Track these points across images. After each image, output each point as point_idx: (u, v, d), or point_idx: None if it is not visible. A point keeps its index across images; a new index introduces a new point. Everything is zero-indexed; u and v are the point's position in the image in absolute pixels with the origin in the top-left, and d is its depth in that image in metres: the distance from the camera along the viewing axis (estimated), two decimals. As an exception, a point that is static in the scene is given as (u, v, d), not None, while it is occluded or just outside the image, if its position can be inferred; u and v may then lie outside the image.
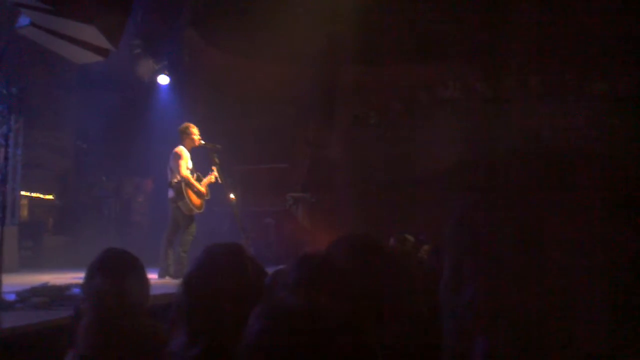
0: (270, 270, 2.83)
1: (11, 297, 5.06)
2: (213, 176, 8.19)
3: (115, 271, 2.62)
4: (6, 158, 6.73)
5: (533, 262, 0.73)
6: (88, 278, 2.64)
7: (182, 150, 7.99)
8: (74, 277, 6.35)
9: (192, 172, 8.05)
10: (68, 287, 5.32)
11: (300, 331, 1.18)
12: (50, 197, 10.83)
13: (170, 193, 7.98)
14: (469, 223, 0.82)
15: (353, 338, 1.14)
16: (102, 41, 6.54)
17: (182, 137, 8.09)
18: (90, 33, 6.38)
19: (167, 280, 7.55)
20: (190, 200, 7.88)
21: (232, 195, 8.69)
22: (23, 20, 6.68)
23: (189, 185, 7.90)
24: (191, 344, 1.86)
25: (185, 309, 1.89)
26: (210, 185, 8.24)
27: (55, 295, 5.05)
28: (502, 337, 0.75)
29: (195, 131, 8.13)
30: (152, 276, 5.80)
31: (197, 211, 8.01)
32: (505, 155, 0.83)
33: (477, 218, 0.80)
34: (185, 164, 7.96)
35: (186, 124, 8.23)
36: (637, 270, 0.74)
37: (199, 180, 8.10)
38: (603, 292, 0.73)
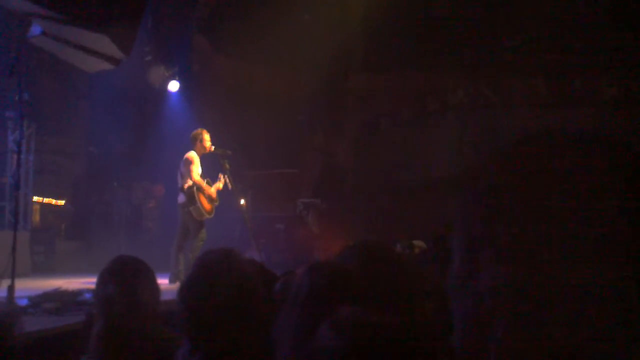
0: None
1: (23, 302, 5.10)
2: (222, 182, 8.21)
3: (126, 278, 2.64)
4: (18, 164, 6.80)
5: (555, 242, 0.73)
6: (99, 285, 2.67)
7: (193, 155, 8.02)
8: (86, 282, 6.40)
9: (202, 177, 8.09)
10: (80, 292, 5.35)
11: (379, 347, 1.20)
12: (62, 202, 10.91)
13: (181, 198, 8.00)
14: (482, 209, 0.81)
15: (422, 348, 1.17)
16: (113, 50, 6.60)
17: (194, 142, 8.12)
18: (101, 42, 6.44)
19: (178, 285, 7.57)
20: (202, 205, 7.90)
21: (242, 201, 8.72)
22: (35, 29, 6.76)
23: (200, 190, 7.93)
24: (192, 352, 1.88)
25: (183, 317, 1.91)
26: (221, 191, 8.27)
27: (67, 300, 5.09)
28: (525, 320, 0.75)
29: (207, 137, 8.16)
30: (163, 281, 5.84)
31: (208, 216, 8.03)
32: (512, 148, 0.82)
33: (491, 202, 0.79)
34: (197, 169, 7.99)
35: (199, 129, 8.26)
36: None
37: (208, 185, 8.13)
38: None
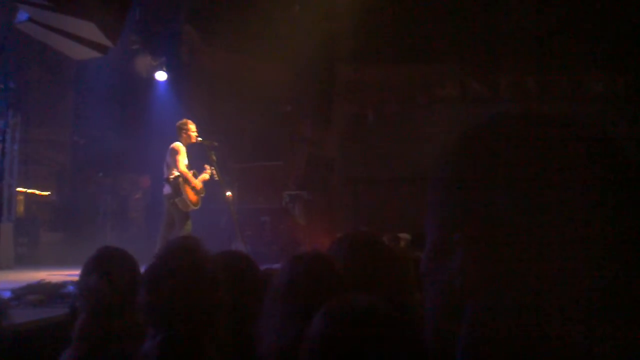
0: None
1: (6, 295, 5.05)
2: (208, 173, 8.17)
3: (110, 269, 2.62)
4: (3, 154, 6.73)
5: (533, 227, 0.72)
6: (83, 276, 2.64)
7: (179, 146, 7.96)
8: (70, 274, 6.35)
9: (188, 168, 8.03)
10: (64, 284, 5.30)
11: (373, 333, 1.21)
12: (47, 193, 10.82)
13: (167, 189, 7.94)
14: (453, 192, 0.80)
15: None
16: (100, 38, 6.54)
17: (179, 133, 8.07)
18: (88, 29, 6.39)
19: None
20: (188, 196, 7.85)
21: (228, 193, 8.68)
22: (21, 15, 6.68)
23: (186, 181, 7.87)
24: (152, 336, 1.93)
25: (145, 302, 1.98)
26: (207, 182, 8.23)
27: (51, 292, 5.04)
28: (494, 302, 0.74)
29: (192, 127, 8.10)
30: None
31: (194, 207, 7.98)
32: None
33: (469, 181, 0.78)
34: (183, 159, 7.93)
35: (184, 120, 8.20)
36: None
37: (194, 177, 8.08)
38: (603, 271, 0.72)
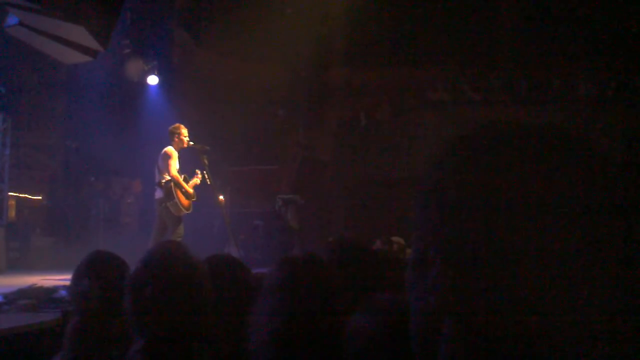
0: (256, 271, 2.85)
1: (-2, 299, 5.03)
2: (199, 178, 8.16)
3: (102, 273, 2.61)
4: (-6, 158, 6.71)
5: (506, 245, 0.72)
6: (75, 280, 2.64)
7: (171, 150, 7.95)
8: (62, 279, 6.33)
9: (179, 173, 8.02)
10: (55, 289, 5.29)
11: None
12: (39, 197, 10.78)
13: (158, 193, 7.93)
14: (436, 199, 0.79)
15: None
16: (90, 42, 6.52)
17: (172, 137, 8.06)
18: (78, 33, 6.36)
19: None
20: (180, 200, 7.84)
21: (221, 197, 8.68)
22: (11, 19, 6.66)
23: (178, 185, 7.87)
24: (137, 340, 1.96)
25: (129, 306, 2.00)
26: (200, 187, 8.21)
27: (42, 297, 5.03)
28: (472, 322, 0.74)
29: (184, 132, 8.10)
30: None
31: (186, 212, 7.97)
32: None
33: (446, 194, 0.78)
34: (175, 164, 7.93)
35: (176, 124, 8.20)
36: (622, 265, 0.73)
37: (185, 181, 8.07)
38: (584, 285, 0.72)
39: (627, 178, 0.74)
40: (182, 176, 8.02)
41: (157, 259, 2.06)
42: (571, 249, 0.69)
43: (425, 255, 0.76)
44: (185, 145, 8.07)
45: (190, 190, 8.05)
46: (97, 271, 2.61)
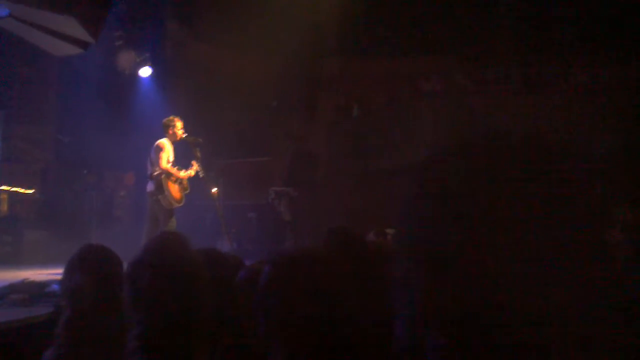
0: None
1: (-10, 294, 5.01)
2: (193, 170, 8.13)
3: (94, 267, 2.60)
4: (-15, 152, 6.67)
5: (483, 259, 0.72)
6: (66, 274, 2.62)
7: (164, 142, 7.92)
8: (54, 273, 6.30)
9: (173, 165, 7.98)
10: (48, 283, 5.27)
11: None
12: (31, 191, 10.72)
13: (150, 186, 7.89)
14: (415, 216, 0.79)
15: None
16: (81, 33, 6.48)
17: (166, 130, 8.02)
18: (69, 25, 6.33)
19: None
20: (170, 193, 7.80)
21: (214, 189, 8.65)
22: (1, 11, 6.61)
23: (169, 177, 7.82)
24: (134, 329, 1.98)
25: (126, 296, 2.04)
26: (192, 179, 8.19)
27: (34, 292, 5.01)
28: (447, 333, 0.74)
29: (179, 125, 8.06)
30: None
31: (177, 205, 7.94)
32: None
33: (423, 211, 0.78)
34: (167, 156, 7.88)
35: (171, 117, 8.16)
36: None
37: (179, 172, 8.03)
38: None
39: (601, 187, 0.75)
40: (176, 168, 7.99)
41: (155, 249, 2.08)
42: (547, 252, 0.70)
43: (412, 259, 0.76)
44: (179, 138, 8.04)
45: (185, 182, 8.02)
46: (89, 265, 2.60)
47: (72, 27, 6.28)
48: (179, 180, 7.96)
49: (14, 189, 10.31)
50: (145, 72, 10.92)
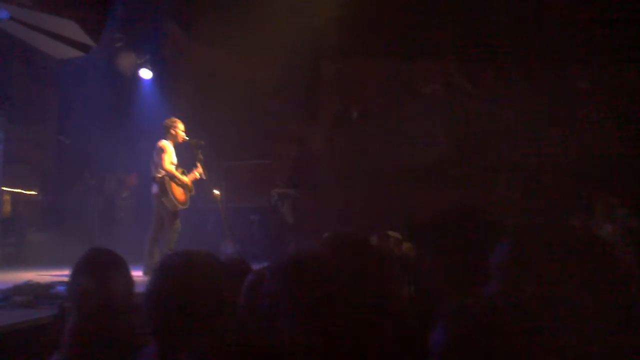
0: (254, 266, 2.85)
1: (-6, 295, 5.02)
2: (197, 172, 8.14)
3: (100, 271, 2.61)
4: (-13, 154, 6.70)
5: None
6: (73, 278, 2.63)
7: (165, 144, 7.92)
8: (58, 275, 6.32)
9: (176, 167, 7.99)
10: (52, 285, 5.28)
11: None
12: (34, 192, 10.74)
13: (155, 188, 7.89)
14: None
15: None
16: (82, 36, 6.51)
17: (167, 131, 8.02)
18: (70, 28, 6.36)
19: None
20: (174, 195, 7.81)
21: (216, 192, 8.67)
22: (2, 14, 6.64)
23: (172, 179, 7.84)
24: (160, 355, 1.88)
25: (150, 323, 1.92)
26: (195, 181, 8.20)
27: (38, 293, 5.01)
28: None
29: (180, 126, 8.06)
30: (137, 273, 5.78)
31: (182, 207, 7.95)
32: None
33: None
34: (169, 158, 7.89)
35: (172, 118, 8.15)
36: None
37: (184, 175, 8.05)
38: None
39: None
40: (180, 170, 8.00)
41: (168, 276, 1.97)
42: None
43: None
44: (180, 140, 8.05)
45: (188, 182, 8.03)
46: (95, 269, 2.61)
47: (73, 30, 6.31)
48: (181, 182, 7.97)
49: (17, 190, 10.33)
50: (145, 73, 10.94)
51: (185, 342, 1.84)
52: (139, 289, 2.80)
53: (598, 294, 1.11)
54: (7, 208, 9.92)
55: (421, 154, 11.39)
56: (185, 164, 8.18)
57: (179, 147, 8.12)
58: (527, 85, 11.69)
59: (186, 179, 8.02)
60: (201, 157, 8.22)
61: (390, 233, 4.77)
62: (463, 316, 1.34)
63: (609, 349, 1.06)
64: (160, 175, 7.79)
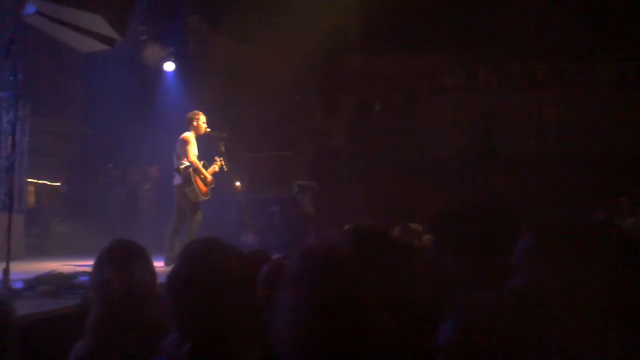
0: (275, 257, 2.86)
1: (19, 285, 5.09)
2: (218, 165, 8.18)
3: (123, 261, 2.63)
4: (13, 146, 6.76)
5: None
6: (96, 269, 2.66)
7: (189, 136, 7.98)
8: (81, 265, 6.39)
9: (198, 159, 8.04)
10: (75, 275, 5.33)
11: None
12: (58, 184, 10.86)
13: (177, 179, 7.95)
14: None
15: None
16: (108, 30, 6.54)
17: (189, 124, 8.08)
18: (96, 22, 6.39)
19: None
20: (198, 186, 7.87)
21: (237, 183, 8.70)
22: (29, 8, 6.69)
23: (196, 171, 7.89)
24: (181, 341, 1.88)
25: (172, 308, 1.91)
26: (216, 173, 8.24)
27: (62, 283, 5.06)
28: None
29: (202, 119, 8.11)
30: (159, 264, 5.83)
31: (204, 198, 8.00)
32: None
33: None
34: (193, 149, 7.95)
35: (195, 111, 8.21)
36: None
37: (204, 168, 8.09)
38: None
39: None
40: (202, 163, 8.05)
41: (192, 259, 1.97)
42: None
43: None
44: (203, 132, 8.09)
45: (209, 177, 8.08)
46: (118, 260, 2.64)
47: (99, 24, 6.34)
48: (203, 175, 8.02)
49: (41, 181, 10.46)
50: (169, 66, 11.00)
51: (206, 327, 1.85)
52: (161, 280, 2.82)
53: (622, 287, 1.11)
54: (32, 199, 10.06)
55: (443, 147, 11.32)
56: (206, 156, 8.22)
57: (200, 140, 8.16)
58: (553, 80, 11.57)
59: (208, 171, 8.07)
60: (223, 149, 8.26)
61: (412, 225, 4.74)
62: (470, 312, 1.34)
63: (630, 345, 1.06)
64: (183, 167, 7.84)
